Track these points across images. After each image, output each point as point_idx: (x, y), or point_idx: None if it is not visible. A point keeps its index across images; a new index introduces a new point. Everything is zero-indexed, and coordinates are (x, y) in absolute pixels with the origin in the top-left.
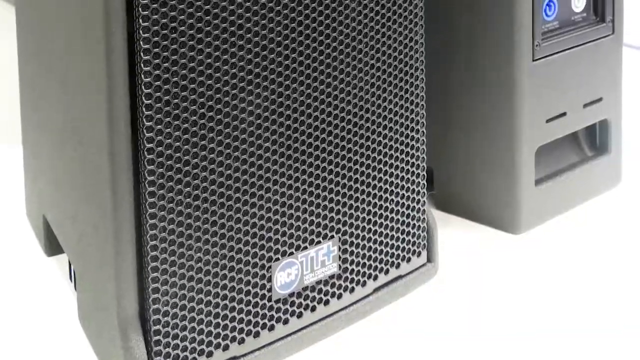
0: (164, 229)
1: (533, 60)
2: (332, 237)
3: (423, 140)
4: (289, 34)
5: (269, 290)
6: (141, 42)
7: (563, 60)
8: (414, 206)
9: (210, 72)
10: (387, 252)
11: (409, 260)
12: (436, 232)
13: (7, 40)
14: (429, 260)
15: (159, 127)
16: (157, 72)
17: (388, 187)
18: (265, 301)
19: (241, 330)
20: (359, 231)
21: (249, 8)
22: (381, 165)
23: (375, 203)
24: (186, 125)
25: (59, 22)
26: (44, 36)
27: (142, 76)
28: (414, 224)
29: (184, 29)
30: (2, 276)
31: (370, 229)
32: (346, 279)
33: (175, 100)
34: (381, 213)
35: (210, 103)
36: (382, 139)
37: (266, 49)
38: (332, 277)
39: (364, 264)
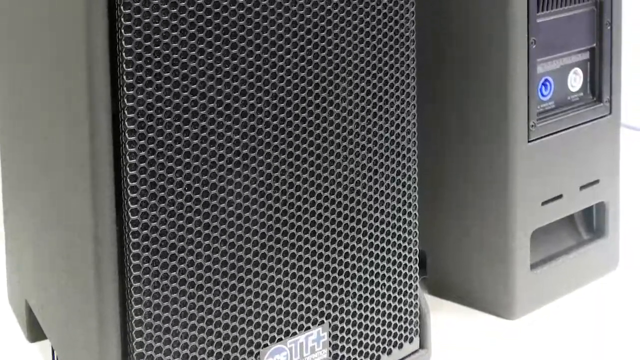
0: (149, 315)
1: (528, 142)
2: (322, 322)
3: (415, 223)
4: (277, 114)
5: None
6: (126, 123)
7: (559, 141)
8: (406, 291)
9: (197, 153)
10: (378, 338)
11: (400, 346)
12: (429, 318)
13: None
14: (421, 346)
15: (144, 209)
16: (142, 153)
17: (379, 271)
18: None
19: None
20: (349, 316)
21: (237, 87)
22: (372, 249)
23: (367, 288)
24: (172, 207)
25: (42, 101)
26: (26, 116)
27: (127, 157)
28: (406, 309)
29: (170, 109)
30: None
31: (361, 314)
32: None
33: (161, 182)
34: (372, 298)
35: (196, 185)
36: (373, 222)
37: (254, 130)
38: None
39: (355, 350)
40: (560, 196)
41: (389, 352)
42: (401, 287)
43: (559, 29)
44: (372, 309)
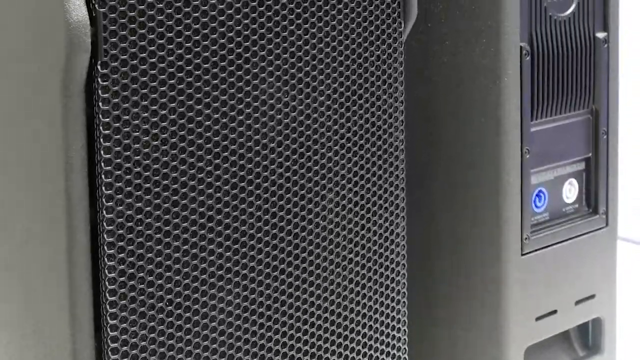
0: None
1: (522, 255)
2: None
3: (405, 339)
4: (262, 226)
5: None
6: (105, 235)
7: (554, 254)
8: None
9: (178, 267)
10: None
11: None
12: None
13: None
14: None
15: (123, 325)
16: (121, 267)
17: None
18: None
19: None
20: None
21: (220, 199)
22: None
23: None
24: (152, 323)
25: (19, 208)
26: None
27: (106, 271)
28: None
29: (151, 221)
30: None
31: None
32: None
33: (141, 297)
34: None
35: (178, 300)
36: (360, 338)
37: (238, 243)
38: None
39: None
40: (554, 311)
41: None
42: None
43: (553, 138)
44: None
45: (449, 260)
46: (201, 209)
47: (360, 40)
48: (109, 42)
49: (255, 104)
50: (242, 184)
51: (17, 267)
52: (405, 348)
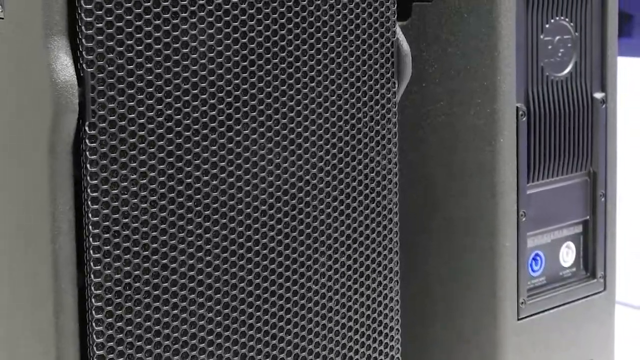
0: None
1: (518, 319)
2: None
3: None
4: (252, 290)
5: None
6: (92, 300)
7: (551, 319)
8: None
9: (168, 332)
10: None
11: None
12: None
13: None
14: None
15: None
16: (109, 332)
17: None
18: None
19: None
20: None
21: (210, 262)
22: None
23: None
24: None
25: (4, 271)
26: None
27: (94, 336)
28: None
29: (139, 285)
30: None
31: None
32: None
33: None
34: None
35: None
36: None
37: (228, 307)
38: None
39: None
40: None
41: None
42: None
43: (550, 200)
44: None
45: (444, 324)
46: (191, 273)
47: (353, 100)
48: (97, 102)
49: (246, 165)
50: (233, 247)
51: (2, 332)
52: None
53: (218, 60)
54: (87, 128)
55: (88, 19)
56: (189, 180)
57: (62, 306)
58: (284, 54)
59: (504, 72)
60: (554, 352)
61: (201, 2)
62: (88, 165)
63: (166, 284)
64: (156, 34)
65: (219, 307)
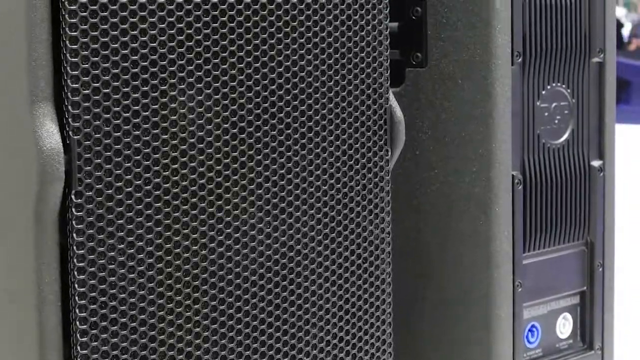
0: None
1: None
2: None
3: None
4: (242, 341)
5: None
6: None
7: None
8: None
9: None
10: None
11: None
12: None
13: None
14: None
15: None
16: None
17: None
18: None
19: None
20: None
21: (199, 334)
22: None
23: None
24: None
25: None
26: None
27: None
28: None
29: (127, 357)
30: None
31: None
32: None
33: None
34: None
35: None
36: None
37: (217, 357)
38: None
39: None
40: None
41: None
42: None
43: (546, 271)
44: None
45: None
46: (179, 345)
47: (345, 168)
48: (83, 170)
49: (236, 234)
50: (222, 318)
51: None
52: None
53: (207, 127)
54: (73, 196)
55: (74, 85)
56: (178, 250)
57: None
58: (274, 120)
59: (500, 140)
60: None
61: (190, 68)
62: (74, 235)
63: (154, 355)
64: (144, 101)
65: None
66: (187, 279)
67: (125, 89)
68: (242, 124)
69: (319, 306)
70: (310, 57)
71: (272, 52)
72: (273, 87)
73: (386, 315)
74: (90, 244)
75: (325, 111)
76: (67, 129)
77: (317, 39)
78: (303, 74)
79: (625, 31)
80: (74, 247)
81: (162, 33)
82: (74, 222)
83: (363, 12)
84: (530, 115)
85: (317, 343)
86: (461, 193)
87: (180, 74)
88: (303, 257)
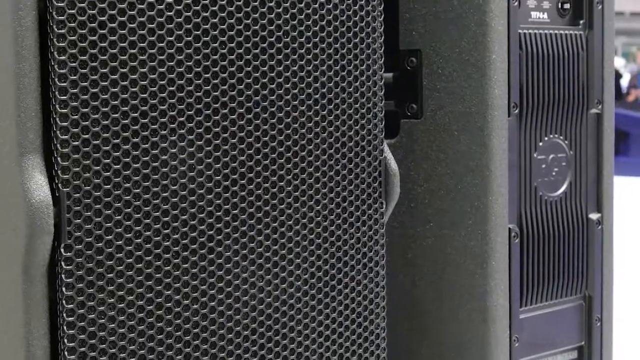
0: None
1: None
2: None
3: None
4: None
5: None
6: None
7: None
8: None
9: None
10: None
11: None
12: None
13: None
14: None
15: None
16: None
17: None
18: None
19: None
20: None
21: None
22: None
23: None
24: None
25: None
26: None
27: None
28: None
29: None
30: None
31: None
32: None
33: None
34: None
35: None
36: None
37: None
38: None
39: None
40: None
41: None
42: None
43: (544, 325)
44: None
45: None
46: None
47: (339, 221)
48: (73, 223)
49: (228, 288)
50: None
51: None
52: None
53: (199, 179)
54: (62, 250)
55: (64, 136)
56: (169, 304)
57: None
58: (267, 173)
59: (496, 192)
60: None
61: (181, 119)
62: (64, 288)
63: None
64: (134, 152)
65: None
66: (178, 333)
67: (116, 141)
68: (235, 176)
69: None
70: (303, 107)
71: (264, 103)
72: (266, 138)
73: None
74: (80, 298)
75: (319, 163)
76: (57, 181)
77: (310, 90)
78: (296, 125)
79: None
80: (63, 301)
81: (152, 84)
82: (63, 275)
83: (357, 62)
84: (527, 167)
85: None
86: (457, 247)
87: (172, 125)
88: (297, 312)
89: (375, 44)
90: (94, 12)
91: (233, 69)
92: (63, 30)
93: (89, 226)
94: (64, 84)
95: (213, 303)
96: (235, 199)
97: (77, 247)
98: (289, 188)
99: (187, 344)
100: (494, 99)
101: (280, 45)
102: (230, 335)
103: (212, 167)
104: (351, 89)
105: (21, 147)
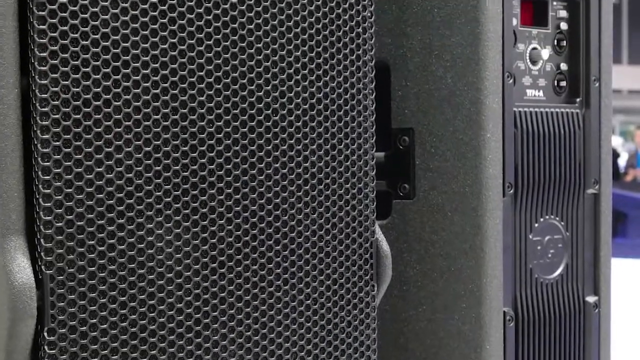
0: None
1: None
2: None
3: None
4: None
5: None
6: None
7: None
8: None
9: None
10: None
11: None
12: None
13: None
14: None
15: None
16: None
17: None
18: None
19: None
20: None
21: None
22: None
23: None
24: None
25: None
26: None
27: None
28: None
29: None
30: None
31: None
32: None
33: None
34: None
35: None
36: None
37: None
38: None
39: None
40: None
41: None
42: None
43: None
44: None
45: None
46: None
47: (329, 304)
48: (56, 306)
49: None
50: None
51: None
52: None
53: (185, 261)
54: (46, 334)
55: (47, 217)
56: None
57: None
58: (255, 254)
59: (490, 275)
60: None
61: (167, 199)
62: None
63: None
64: (120, 234)
65: None
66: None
67: (100, 222)
68: (222, 258)
69: None
70: (293, 187)
71: (253, 183)
72: (254, 219)
73: None
74: None
75: (308, 244)
76: (40, 263)
77: (300, 169)
78: (286, 205)
79: (622, 161)
80: None
81: (138, 163)
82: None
83: (348, 141)
84: (522, 249)
85: None
86: (450, 331)
87: (158, 206)
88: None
89: (366, 123)
90: (78, 89)
91: (220, 147)
92: (46, 109)
93: (73, 309)
94: (47, 163)
95: None
96: (223, 282)
97: (60, 331)
98: (278, 270)
99: None
100: (489, 179)
101: (269, 123)
102: None
103: (199, 249)
104: (342, 169)
105: (3, 228)
